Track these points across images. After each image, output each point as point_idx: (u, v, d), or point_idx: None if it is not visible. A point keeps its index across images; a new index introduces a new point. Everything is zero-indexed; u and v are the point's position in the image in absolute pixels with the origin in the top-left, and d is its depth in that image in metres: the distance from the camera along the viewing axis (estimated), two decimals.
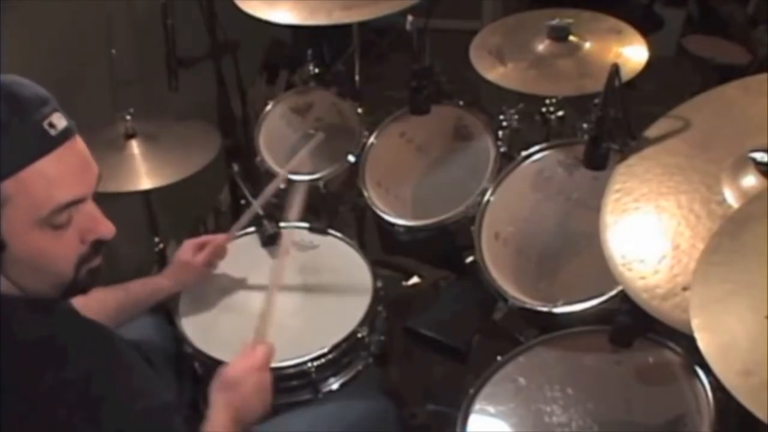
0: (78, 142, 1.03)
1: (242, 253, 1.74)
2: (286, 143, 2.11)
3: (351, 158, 1.95)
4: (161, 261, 2.12)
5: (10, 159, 0.95)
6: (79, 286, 1.08)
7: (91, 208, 1.05)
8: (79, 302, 1.16)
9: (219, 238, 1.67)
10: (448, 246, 1.81)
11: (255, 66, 3.15)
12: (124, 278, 1.57)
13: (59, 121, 0.99)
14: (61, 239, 1.02)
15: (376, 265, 1.70)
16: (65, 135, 1.00)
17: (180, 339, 1.56)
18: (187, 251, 1.63)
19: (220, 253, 1.67)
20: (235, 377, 1.26)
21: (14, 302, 1.03)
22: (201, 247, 1.63)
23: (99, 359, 1.06)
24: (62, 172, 0.99)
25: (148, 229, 2.03)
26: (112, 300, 1.48)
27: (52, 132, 0.98)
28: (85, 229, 1.05)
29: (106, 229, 1.07)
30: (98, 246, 1.08)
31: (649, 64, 1.73)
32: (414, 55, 1.75)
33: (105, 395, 1.03)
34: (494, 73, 1.82)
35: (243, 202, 1.87)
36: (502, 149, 1.84)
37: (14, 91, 0.98)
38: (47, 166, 0.97)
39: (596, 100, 1.43)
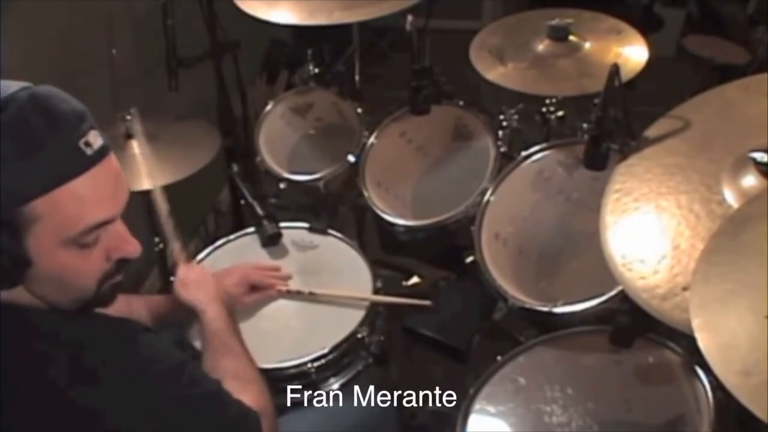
0: (112, 161, 1.01)
1: (242, 254, 1.73)
2: (286, 143, 2.11)
3: (351, 158, 1.95)
4: (161, 261, 2.12)
5: (43, 177, 0.93)
6: (100, 300, 1.07)
7: (119, 226, 1.04)
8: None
9: (275, 286, 1.61)
10: (448, 246, 1.81)
11: (255, 66, 3.15)
12: (124, 278, 1.56)
13: (95, 139, 0.97)
14: (88, 257, 1.01)
15: (376, 265, 1.70)
16: (101, 154, 0.97)
17: (181, 341, 1.56)
18: (239, 285, 1.55)
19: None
20: (201, 278, 1.41)
21: (36, 312, 1.02)
22: (254, 287, 1.58)
23: (131, 359, 1.05)
24: (95, 193, 0.97)
25: (148, 229, 2.03)
26: (144, 311, 1.48)
27: (88, 151, 0.95)
28: (111, 248, 1.03)
29: (133, 248, 1.06)
30: (122, 264, 1.07)
31: (649, 64, 1.73)
32: (414, 55, 1.75)
33: (148, 392, 1.04)
34: (494, 73, 1.82)
35: (243, 202, 1.86)
36: (502, 149, 1.84)
37: (52, 106, 0.94)
38: (81, 186, 0.95)
39: (596, 100, 1.44)
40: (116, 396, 1.01)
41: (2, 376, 0.97)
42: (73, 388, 0.99)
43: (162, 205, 1.53)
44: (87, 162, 0.96)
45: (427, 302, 1.67)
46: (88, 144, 0.95)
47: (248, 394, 1.19)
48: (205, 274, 1.45)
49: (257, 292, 1.59)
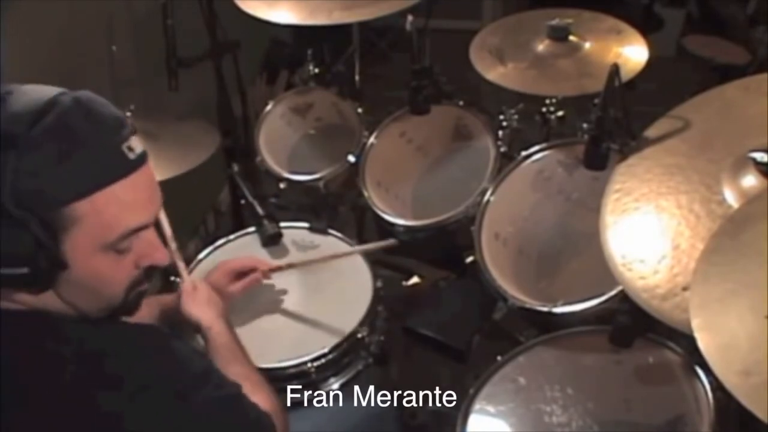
0: (150, 168, 1.01)
1: (242, 254, 1.73)
2: (286, 143, 2.11)
3: (351, 158, 1.95)
4: None
5: (86, 180, 0.93)
6: (127, 308, 1.07)
7: (151, 234, 1.04)
8: None
9: (261, 268, 1.60)
10: (448, 246, 1.81)
11: (255, 66, 3.15)
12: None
13: (137, 145, 0.98)
14: (120, 264, 1.01)
15: (376, 265, 1.70)
16: (142, 160, 0.99)
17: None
18: (223, 277, 1.54)
19: (257, 283, 1.61)
20: (210, 295, 1.42)
21: (63, 320, 1.02)
22: (239, 275, 1.57)
23: (158, 366, 1.05)
24: (135, 198, 0.98)
25: None
26: (146, 315, 1.46)
27: (131, 156, 0.96)
28: (142, 255, 1.04)
29: (162, 255, 1.06)
30: (151, 272, 1.07)
31: (649, 64, 1.73)
32: (414, 55, 1.75)
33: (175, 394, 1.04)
34: (494, 73, 1.82)
35: (243, 202, 1.86)
36: (502, 149, 1.84)
37: (95, 109, 0.96)
38: (122, 190, 0.96)
39: (596, 100, 1.43)
40: (141, 402, 1.01)
41: (29, 383, 0.97)
42: (99, 394, 0.99)
43: (165, 220, 1.53)
44: (129, 166, 0.97)
45: (391, 240, 1.70)
46: (131, 149, 0.97)
47: (259, 396, 1.20)
48: (212, 293, 1.44)
49: (242, 280, 1.57)
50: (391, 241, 1.70)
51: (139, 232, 1.01)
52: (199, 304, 1.40)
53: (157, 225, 1.51)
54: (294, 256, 1.73)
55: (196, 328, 1.38)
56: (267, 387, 1.27)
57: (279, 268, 1.63)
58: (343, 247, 1.74)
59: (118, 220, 0.97)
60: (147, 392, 1.01)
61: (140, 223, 1.00)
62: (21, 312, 1.00)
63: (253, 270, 1.59)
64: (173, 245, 1.50)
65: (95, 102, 0.97)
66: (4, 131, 0.90)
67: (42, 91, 0.95)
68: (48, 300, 1.00)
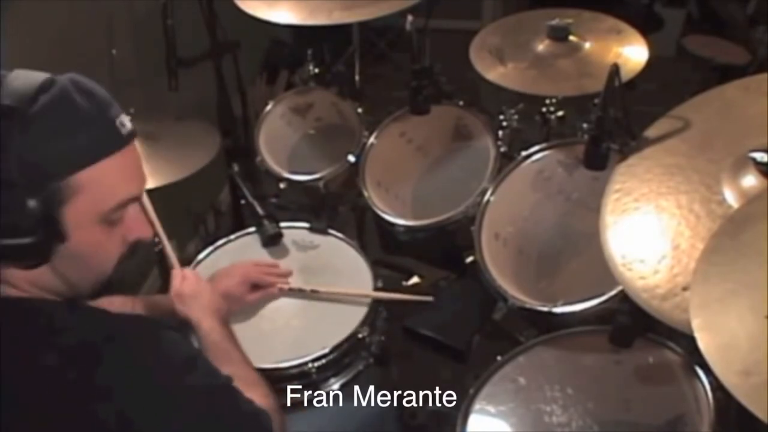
0: (136, 144, 1.08)
1: (242, 254, 1.74)
2: (286, 143, 2.12)
3: (351, 158, 1.95)
4: (161, 261, 2.12)
5: (87, 152, 0.99)
6: (112, 284, 1.11)
7: (137, 208, 1.10)
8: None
9: (280, 285, 1.62)
10: (448, 246, 1.81)
11: (255, 66, 3.15)
12: (124, 278, 1.54)
13: (127, 121, 1.05)
14: (112, 237, 1.07)
15: (376, 265, 1.70)
16: (132, 135, 1.05)
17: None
18: (240, 285, 1.57)
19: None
20: (195, 290, 1.44)
21: (53, 307, 1.05)
22: (255, 285, 1.60)
23: (149, 352, 1.07)
24: (127, 170, 1.05)
25: None
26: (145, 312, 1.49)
27: (123, 131, 1.03)
28: (130, 229, 1.09)
29: (147, 230, 1.13)
30: (135, 247, 1.11)
31: (649, 64, 1.74)
32: (414, 55, 1.75)
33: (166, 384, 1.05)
34: (494, 73, 1.82)
35: (243, 202, 1.86)
36: (502, 149, 1.84)
37: (91, 88, 1.02)
38: (116, 162, 1.02)
39: (596, 100, 1.43)
40: (129, 389, 1.02)
41: (18, 372, 0.99)
42: (88, 381, 1.00)
43: (149, 208, 1.53)
44: (122, 140, 1.03)
45: (428, 298, 1.68)
46: (123, 124, 1.03)
47: (255, 395, 1.19)
48: (199, 284, 1.46)
49: (259, 291, 1.60)
50: (426, 298, 1.69)
51: (129, 204, 1.07)
52: (184, 301, 1.43)
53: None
54: (294, 256, 1.73)
55: (186, 324, 1.40)
56: (263, 387, 1.27)
57: (300, 290, 1.62)
58: (346, 250, 1.73)
59: (113, 190, 1.03)
60: (134, 379, 1.02)
61: (132, 194, 1.06)
62: (10, 300, 1.03)
63: (270, 285, 1.62)
64: (161, 231, 1.52)
65: (88, 82, 1.03)
66: (6, 107, 0.95)
67: (35, 74, 1.00)
68: (41, 277, 1.03)
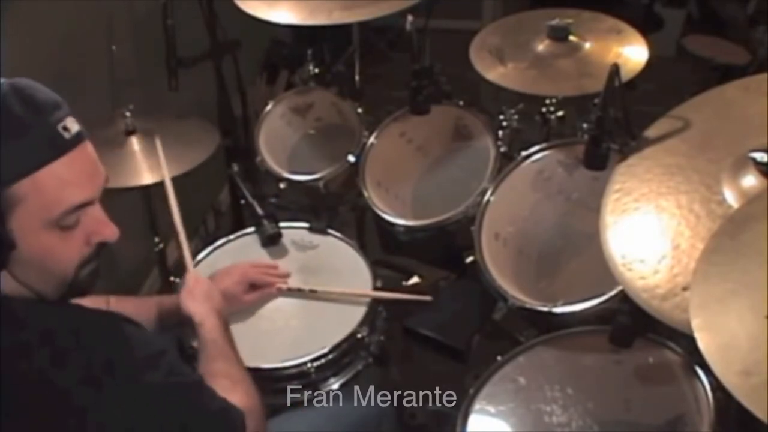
0: (88, 146, 1.06)
1: (242, 254, 1.73)
2: (286, 143, 2.11)
3: (351, 158, 1.95)
4: (161, 261, 2.12)
5: (26, 160, 0.97)
6: (80, 287, 1.09)
7: (97, 210, 1.08)
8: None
9: (278, 285, 1.62)
10: (448, 246, 1.81)
11: (255, 66, 3.15)
12: (124, 278, 1.55)
13: (72, 125, 1.02)
14: (68, 240, 1.04)
15: (376, 265, 1.70)
16: (78, 139, 1.02)
17: (181, 339, 1.56)
18: (239, 285, 1.57)
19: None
20: (208, 291, 1.46)
21: (21, 302, 1.04)
22: (254, 285, 1.60)
23: (111, 347, 1.07)
24: (74, 175, 1.02)
25: (148, 228, 2.03)
26: (144, 314, 1.48)
27: (66, 135, 1.00)
28: (91, 231, 1.07)
29: (111, 231, 1.09)
30: (101, 248, 1.10)
31: (649, 64, 1.73)
32: (414, 55, 1.75)
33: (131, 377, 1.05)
34: (494, 73, 1.82)
35: (243, 202, 1.86)
36: (502, 149, 1.84)
37: (30, 94, 1.00)
38: (60, 168, 1.00)
39: (596, 100, 1.43)
40: (92, 383, 1.02)
41: None
42: (52, 372, 1.01)
43: (172, 197, 1.55)
44: (66, 145, 1.01)
45: (427, 297, 1.68)
46: (66, 128, 1.01)
47: (237, 393, 1.22)
48: (211, 288, 1.49)
49: (257, 291, 1.60)
50: (425, 298, 1.69)
51: (85, 208, 1.04)
52: (195, 299, 1.44)
53: (168, 214, 1.58)
54: (294, 256, 1.73)
55: (189, 321, 1.41)
56: (248, 386, 1.29)
57: (298, 290, 1.63)
58: (346, 250, 1.73)
59: (59, 196, 1.00)
60: (97, 373, 1.02)
61: (82, 199, 1.03)
62: None
63: (269, 285, 1.62)
64: (182, 237, 1.54)
65: (31, 87, 1.01)
66: None
67: None
68: (6, 283, 1.03)
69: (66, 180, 1.00)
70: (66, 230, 1.03)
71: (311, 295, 1.62)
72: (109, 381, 1.03)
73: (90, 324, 1.08)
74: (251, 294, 1.59)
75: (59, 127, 1.00)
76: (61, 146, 1.00)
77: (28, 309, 1.05)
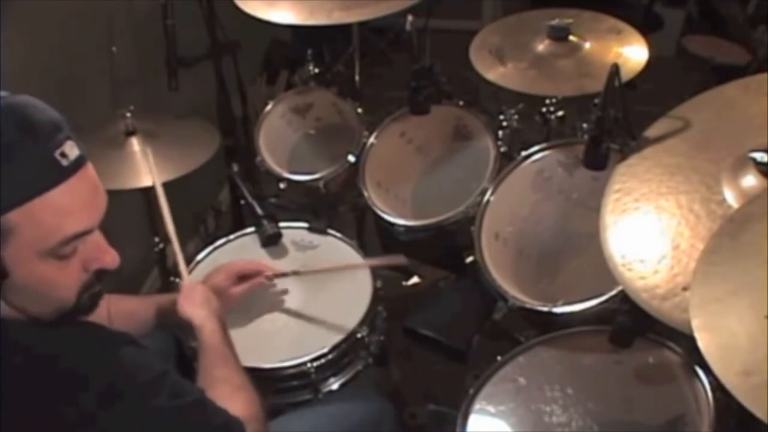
0: (89, 170, 1.00)
1: (242, 254, 1.73)
2: (286, 143, 2.11)
3: (351, 158, 1.95)
4: (161, 261, 2.12)
5: (18, 189, 0.92)
6: (81, 310, 1.06)
7: (97, 237, 1.03)
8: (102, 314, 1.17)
9: (265, 272, 1.60)
10: (448, 246, 1.81)
11: (255, 66, 3.15)
12: (124, 278, 1.55)
13: (71, 150, 0.96)
14: (65, 269, 1.00)
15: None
16: (77, 165, 0.97)
17: (181, 340, 1.56)
18: (226, 279, 1.54)
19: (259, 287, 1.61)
20: (206, 297, 1.42)
21: (14, 324, 1.01)
22: (241, 277, 1.56)
23: (112, 371, 1.05)
24: (72, 204, 0.96)
25: (148, 228, 2.03)
26: (142, 313, 1.49)
27: (64, 162, 0.95)
28: (89, 259, 1.03)
29: (111, 259, 1.04)
30: (101, 274, 1.06)
31: (649, 64, 1.74)
32: (414, 55, 1.75)
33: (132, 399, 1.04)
34: (494, 73, 1.82)
35: (243, 202, 1.86)
36: (502, 149, 1.84)
37: (27, 115, 0.94)
38: (57, 197, 0.94)
39: (596, 100, 1.43)
40: (92, 406, 1.01)
41: None
42: (53, 399, 0.99)
43: (165, 205, 1.53)
44: (63, 173, 0.95)
45: (401, 258, 1.67)
46: (63, 155, 0.95)
47: (237, 401, 1.20)
48: (209, 293, 1.46)
49: (245, 282, 1.57)
50: (401, 259, 1.68)
51: (84, 236, 0.99)
52: (193, 304, 1.41)
53: (161, 222, 1.56)
54: (293, 256, 1.73)
55: (188, 326, 1.39)
56: (249, 392, 1.26)
57: (284, 275, 1.62)
58: (346, 250, 1.73)
59: (55, 226, 0.95)
60: (99, 400, 1.00)
61: (80, 228, 0.98)
62: None
63: (256, 273, 1.59)
64: (176, 245, 1.51)
65: (29, 107, 0.95)
66: None
67: None
68: (5, 308, 1.00)
69: (63, 209, 0.95)
70: (63, 259, 0.99)
71: (296, 275, 1.61)
72: (111, 407, 1.01)
73: (89, 347, 1.06)
74: (240, 285, 1.56)
75: (57, 154, 0.94)
76: (57, 174, 0.94)
77: (25, 332, 1.01)
